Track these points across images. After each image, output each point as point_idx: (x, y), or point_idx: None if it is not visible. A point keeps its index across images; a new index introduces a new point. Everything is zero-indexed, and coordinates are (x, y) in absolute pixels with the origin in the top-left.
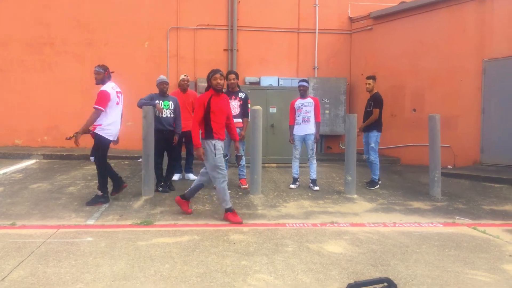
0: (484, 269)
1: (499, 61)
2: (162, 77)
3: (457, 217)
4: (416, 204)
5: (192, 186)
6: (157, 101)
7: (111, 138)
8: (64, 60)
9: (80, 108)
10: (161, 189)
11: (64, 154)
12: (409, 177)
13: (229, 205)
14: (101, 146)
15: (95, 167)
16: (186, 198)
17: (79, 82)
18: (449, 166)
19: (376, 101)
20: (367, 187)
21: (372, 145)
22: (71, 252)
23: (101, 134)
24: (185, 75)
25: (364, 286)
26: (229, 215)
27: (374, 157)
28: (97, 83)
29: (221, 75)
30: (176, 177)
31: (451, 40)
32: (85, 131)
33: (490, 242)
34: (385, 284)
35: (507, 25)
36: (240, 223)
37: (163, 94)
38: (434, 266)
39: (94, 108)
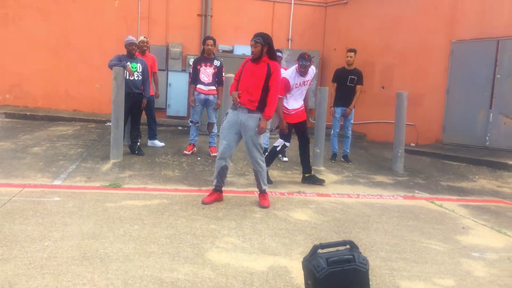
0: (438, 239)
1: (466, 43)
2: (130, 37)
3: (417, 191)
4: (379, 178)
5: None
6: (128, 63)
7: None
8: (28, 15)
9: (45, 66)
10: (137, 152)
11: (28, 114)
12: (374, 152)
13: (214, 183)
14: None
15: (60, 128)
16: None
17: (44, 39)
18: (412, 144)
19: (360, 77)
20: (348, 162)
21: (352, 120)
22: (38, 211)
23: None
24: (144, 37)
25: (328, 247)
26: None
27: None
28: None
29: (255, 41)
30: None
31: (422, 18)
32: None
33: (445, 215)
34: (348, 246)
35: (477, 7)
36: (205, 203)
37: (131, 56)
38: (393, 235)
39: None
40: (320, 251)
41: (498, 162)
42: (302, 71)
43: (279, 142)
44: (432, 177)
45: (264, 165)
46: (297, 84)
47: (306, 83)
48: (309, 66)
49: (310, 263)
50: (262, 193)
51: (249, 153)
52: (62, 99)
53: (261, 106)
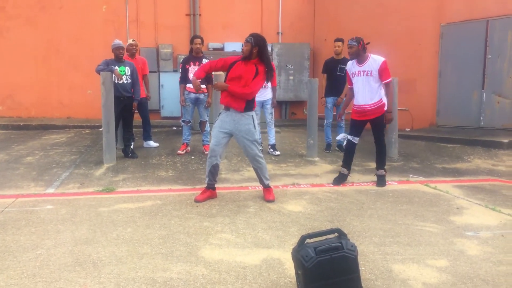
0: (432, 221)
1: (456, 25)
2: (117, 41)
3: (411, 175)
4: (374, 165)
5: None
6: (116, 67)
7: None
8: (16, 25)
9: (36, 75)
10: (130, 155)
11: (21, 124)
12: (368, 140)
13: (206, 181)
14: None
15: (54, 136)
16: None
17: (33, 49)
18: (407, 129)
19: None
20: (343, 152)
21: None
22: (31, 220)
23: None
24: (133, 40)
25: (316, 237)
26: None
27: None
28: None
29: (246, 40)
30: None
31: (410, 3)
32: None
33: (440, 197)
34: (336, 234)
35: None
36: (197, 201)
37: (119, 59)
38: (387, 220)
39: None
40: (308, 240)
41: (493, 141)
42: (350, 53)
43: (341, 136)
44: (427, 161)
45: (263, 161)
46: (353, 73)
47: (364, 73)
48: (356, 48)
49: (299, 253)
50: (266, 187)
51: (246, 152)
52: (55, 107)
53: (249, 107)
